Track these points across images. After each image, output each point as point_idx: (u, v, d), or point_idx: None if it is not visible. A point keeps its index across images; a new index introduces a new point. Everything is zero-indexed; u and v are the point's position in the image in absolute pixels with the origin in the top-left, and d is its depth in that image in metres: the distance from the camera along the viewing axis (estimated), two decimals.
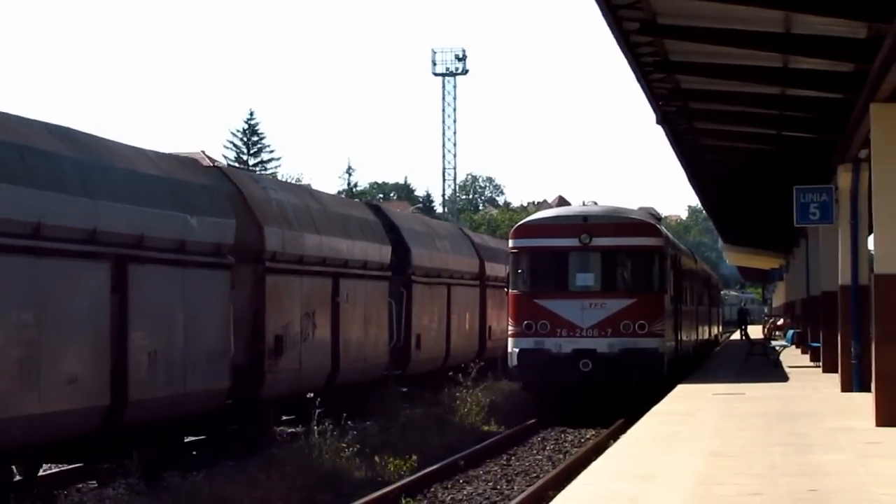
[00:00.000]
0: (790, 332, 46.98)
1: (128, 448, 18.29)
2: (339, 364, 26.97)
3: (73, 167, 17.47)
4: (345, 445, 21.01)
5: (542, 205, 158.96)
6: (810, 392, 27.46)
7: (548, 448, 25.23)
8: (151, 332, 18.93)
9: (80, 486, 19.63)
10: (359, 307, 28.51)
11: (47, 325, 16.35)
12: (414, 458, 21.45)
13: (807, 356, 41.37)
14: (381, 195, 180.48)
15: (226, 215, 21.68)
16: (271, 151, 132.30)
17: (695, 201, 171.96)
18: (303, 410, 24.39)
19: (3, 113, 17.08)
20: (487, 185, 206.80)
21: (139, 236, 18.64)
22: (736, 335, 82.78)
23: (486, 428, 28.16)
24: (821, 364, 33.70)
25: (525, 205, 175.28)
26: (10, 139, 16.36)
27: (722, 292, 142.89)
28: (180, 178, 20.77)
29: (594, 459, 17.04)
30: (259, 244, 23.32)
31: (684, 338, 37.18)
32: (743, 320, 74.49)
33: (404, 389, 32.22)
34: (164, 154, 21.54)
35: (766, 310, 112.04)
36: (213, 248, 21.05)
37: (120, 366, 18.02)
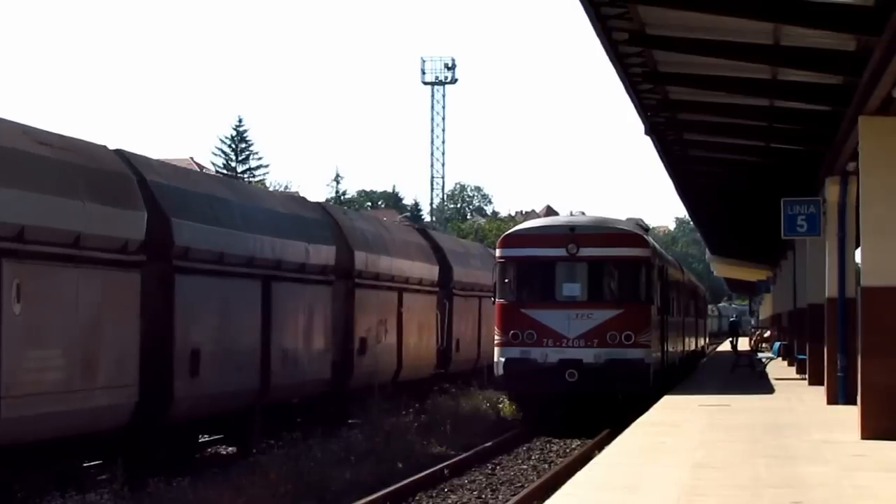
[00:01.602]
0: (776, 344, 47.07)
1: (273, 418, 24.53)
2: (402, 363, 33.15)
3: (237, 210, 23.57)
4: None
5: (530, 214, 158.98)
6: (796, 404, 27.47)
7: (533, 458, 25.22)
8: (284, 334, 24.98)
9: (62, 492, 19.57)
10: (416, 316, 34.80)
11: (228, 327, 22.38)
12: None
13: (793, 368, 41.41)
14: (370, 203, 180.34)
15: (329, 242, 28.04)
16: (259, 158, 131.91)
17: (682, 212, 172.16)
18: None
19: (195, 171, 25.06)
20: (476, 194, 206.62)
21: (278, 261, 24.76)
22: (723, 346, 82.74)
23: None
24: (807, 376, 33.71)
25: (513, 214, 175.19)
26: (202, 191, 22.60)
27: (721, 304, 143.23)
28: (300, 214, 27.36)
29: (579, 470, 17.02)
30: (350, 264, 29.56)
31: (671, 349, 37.18)
32: (734, 331, 74.58)
33: (446, 385, 36.73)
34: (287, 194, 31.35)
35: (752, 321, 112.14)
36: (321, 268, 27.30)
37: (265, 359, 23.94)
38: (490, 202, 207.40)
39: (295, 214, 26.90)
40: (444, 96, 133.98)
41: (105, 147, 19.78)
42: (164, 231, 20.22)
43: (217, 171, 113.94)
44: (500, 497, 19.79)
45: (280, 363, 24.54)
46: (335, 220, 29.92)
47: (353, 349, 29.28)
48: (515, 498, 18.72)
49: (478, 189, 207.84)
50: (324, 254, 27.35)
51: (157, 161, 21.74)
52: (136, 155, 20.92)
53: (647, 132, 28.23)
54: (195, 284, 21.14)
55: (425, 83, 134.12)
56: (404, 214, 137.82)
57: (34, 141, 17.68)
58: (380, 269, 31.47)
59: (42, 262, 16.83)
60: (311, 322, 26.57)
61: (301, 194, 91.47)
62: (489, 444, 26.12)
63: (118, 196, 18.84)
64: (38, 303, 16.64)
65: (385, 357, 31.69)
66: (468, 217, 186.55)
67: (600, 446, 23.17)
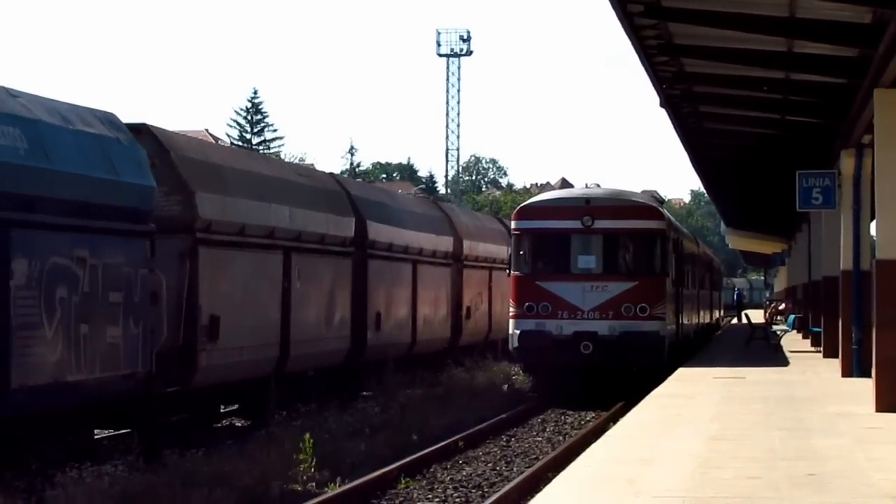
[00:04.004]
0: (791, 316, 47.01)
1: (417, 363, 32.48)
2: (492, 326, 41.03)
3: (395, 211, 32.49)
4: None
5: (545, 187, 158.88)
6: (810, 377, 27.47)
7: (547, 430, 25.26)
8: (423, 302, 33.82)
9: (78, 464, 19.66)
10: (500, 289, 40.53)
11: (393, 296, 31.30)
12: None
13: (807, 341, 41.38)
14: (384, 175, 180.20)
15: (448, 234, 37.03)
16: (274, 130, 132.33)
17: (698, 185, 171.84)
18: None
19: (372, 185, 34.27)
20: (491, 166, 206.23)
21: (421, 248, 33.70)
22: (735, 319, 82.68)
23: None
24: (821, 349, 33.70)
25: (528, 187, 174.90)
26: (379, 199, 32.32)
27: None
28: (429, 213, 36.99)
29: (594, 442, 17.06)
30: (460, 250, 38.01)
31: (685, 321, 37.17)
32: (739, 304, 74.40)
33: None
34: (419, 198, 41.80)
35: (766, 293, 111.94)
36: (444, 254, 36.40)
37: (412, 321, 32.85)
38: (505, 174, 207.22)
39: (427, 213, 36.64)
40: (459, 68, 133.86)
41: (327, 173, 31.96)
42: (362, 230, 28.93)
43: (232, 143, 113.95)
44: (515, 469, 19.83)
45: (422, 324, 33.45)
46: (447, 215, 38.57)
47: (461, 315, 37.79)
48: (530, 470, 18.75)
49: (493, 161, 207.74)
50: (445, 242, 36.33)
51: (353, 179, 30.43)
52: (342, 177, 34.30)
53: (663, 104, 28.15)
54: (378, 266, 29.94)
55: (440, 55, 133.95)
56: (419, 187, 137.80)
57: (296, 173, 27.74)
58: (478, 253, 39.98)
59: (308, 255, 25.43)
60: (438, 294, 35.57)
61: (316, 167, 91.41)
62: (504, 416, 26.18)
63: (340, 208, 27.86)
64: (306, 280, 25.19)
65: (482, 321, 40.30)
66: (483, 189, 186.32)
67: (615, 419, 23.21)
